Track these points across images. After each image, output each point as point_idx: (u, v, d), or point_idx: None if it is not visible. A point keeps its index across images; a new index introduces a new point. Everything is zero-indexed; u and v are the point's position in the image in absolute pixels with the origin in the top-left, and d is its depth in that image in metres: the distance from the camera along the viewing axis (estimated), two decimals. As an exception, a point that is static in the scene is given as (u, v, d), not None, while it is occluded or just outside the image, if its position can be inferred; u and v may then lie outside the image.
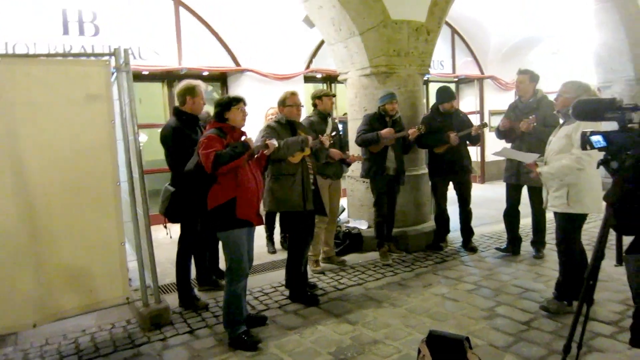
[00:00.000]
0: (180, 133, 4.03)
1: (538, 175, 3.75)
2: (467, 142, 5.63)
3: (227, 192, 3.41)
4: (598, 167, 2.08)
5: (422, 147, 5.78)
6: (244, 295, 3.68)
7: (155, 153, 6.78)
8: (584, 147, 2.13)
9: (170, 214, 4.08)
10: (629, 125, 1.98)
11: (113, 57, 3.68)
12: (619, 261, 1.66)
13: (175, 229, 4.24)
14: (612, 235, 2.21)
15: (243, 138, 3.55)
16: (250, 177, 3.52)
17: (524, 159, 4.11)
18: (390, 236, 5.62)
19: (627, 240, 2.09)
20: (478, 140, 5.68)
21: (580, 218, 3.71)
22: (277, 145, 3.75)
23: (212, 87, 9.23)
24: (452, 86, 11.56)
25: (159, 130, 4.35)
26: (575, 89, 3.63)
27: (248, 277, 3.70)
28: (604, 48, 8.75)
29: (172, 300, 4.29)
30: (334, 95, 5.22)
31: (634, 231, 1.64)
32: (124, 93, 3.75)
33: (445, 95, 5.61)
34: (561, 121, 3.92)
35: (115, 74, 3.74)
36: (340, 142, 5.18)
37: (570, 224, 3.70)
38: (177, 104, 4.25)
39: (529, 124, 4.84)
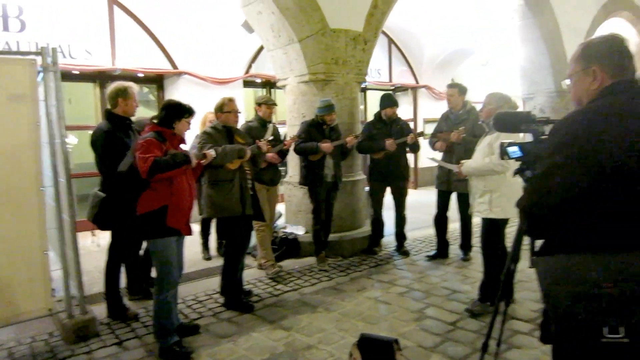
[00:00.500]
0: (112, 136, 3.90)
1: (461, 172, 4.00)
2: (408, 150, 5.82)
3: (160, 199, 3.34)
4: (514, 175, 2.23)
5: (361, 152, 5.93)
6: (175, 304, 3.60)
7: (86, 156, 6.49)
8: (502, 157, 2.28)
9: (99, 221, 3.92)
10: (542, 137, 2.14)
11: (40, 56, 3.51)
12: (532, 264, 1.79)
13: (105, 236, 4.09)
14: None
15: (183, 147, 3.51)
16: (185, 186, 3.47)
17: (452, 167, 4.38)
18: (327, 242, 5.69)
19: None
20: (418, 148, 5.88)
21: (502, 223, 3.94)
22: (214, 155, 3.73)
23: (148, 89, 8.98)
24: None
25: (91, 132, 4.19)
26: (496, 100, 3.89)
27: (179, 285, 3.64)
28: (528, 62, 9.31)
29: (100, 310, 4.12)
30: (275, 105, 5.24)
31: (544, 235, 1.78)
32: (51, 94, 3.58)
33: (387, 101, 5.77)
34: (487, 130, 4.16)
35: (42, 74, 3.57)
36: (282, 151, 5.17)
37: (493, 228, 3.92)
38: (108, 106, 4.12)
39: (458, 134, 5.08)
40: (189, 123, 3.56)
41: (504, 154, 2.22)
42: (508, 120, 2.25)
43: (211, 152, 3.70)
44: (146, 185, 3.33)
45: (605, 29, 11.12)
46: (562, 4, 9.30)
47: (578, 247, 1.62)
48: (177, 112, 3.46)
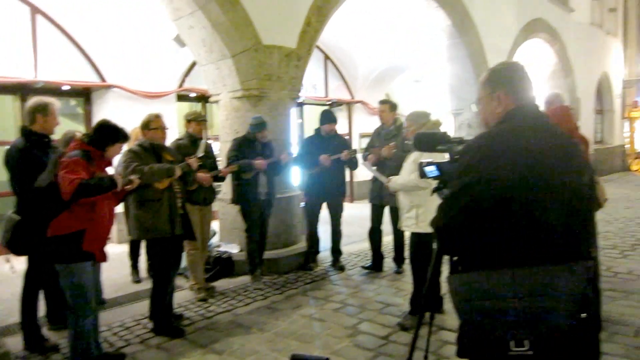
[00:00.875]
0: (28, 155, 3.68)
1: (388, 186, 4.14)
2: (346, 166, 5.88)
3: (77, 222, 3.17)
4: (432, 194, 2.30)
5: (299, 167, 5.93)
6: (95, 332, 3.41)
7: (1, 174, 6.09)
8: (421, 176, 2.35)
9: (14, 246, 3.66)
10: (456, 157, 2.23)
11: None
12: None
13: (24, 261, 3.83)
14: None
15: (108, 171, 3.37)
16: (105, 211, 3.32)
17: (382, 179, 4.53)
18: (262, 260, 5.62)
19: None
20: (356, 165, 5.95)
21: (430, 237, 4.05)
22: (140, 182, 3.60)
23: (76, 102, 8.57)
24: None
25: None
26: (415, 120, 4.05)
27: (105, 312, 3.47)
28: (455, 79, 9.76)
29: (15, 343, 3.84)
30: (205, 121, 5.15)
31: (455, 252, 1.85)
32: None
33: (325, 118, 5.82)
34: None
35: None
36: (213, 165, 5.08)
37: (421, 242, 4.03)
38: (25, 122, 3.88)
39: (389, 149, 5.21)
40: (121, 148, 3.44)
41: (422, 173, 2.29)
42: (425, 140, 2.33)
43: (136, 180, 3.57)
44: (64, 205, 3.15)
45: (525, 49, 11.89)
46: (486, 25, 9.86)
47: (486, 264, 1.70)
48: (112, 136, 3.33)
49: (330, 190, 5.80)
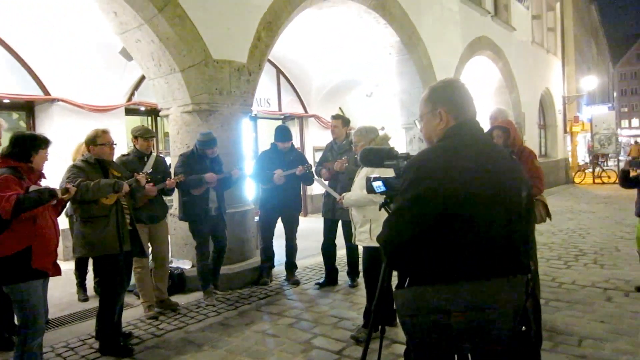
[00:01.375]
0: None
1: (342, 202, 4.17)
2: (301, 181, 5.89)
3: (21, 240, 3.07)
4: (380, 209, 2.36)
5: (254, 181, 5.89)
6: (40, 354, 3.27)
7: None
8: (369, 191, 2.40)
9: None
10: (401, 173, 2.29)
11: None
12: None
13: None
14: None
15: (44, 183, 3.25)
16: (49, 223, 3.22)
17: (335, 195, 4.57)
18: (217, 276, 5.54)
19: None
20: (312, 181, 5.96)
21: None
22: (76, 190, 3.50)
23: (18, 116, 8.22)
24: (278, 123, 12.08)
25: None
26: (364, 136, 4.13)
27: (49, 332, 3.33)
28: (405, 94, 10.03)
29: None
30: (153, 137, 5.03)
31: (400, 267, 1.89)
32: None
33: (280, 135, 5.80)
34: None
35: None
36: (164, 180, 4.94)
37: (374, 256, 4.08)
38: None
39: (341, 164, 5.27)
40: (46, 155, 3.33)
41: (369, 188, 2.34)
42: (372, 156, 2.39)
43: (72, 187, 3.47)
44: (3, 225, 3.02)
45: (471, 66, 12.39)
46: (433, 42, 10.22)
47: (430, 278, 1.74)
48: (32, 145, 3.22)
49: (285, 205, 5.79)
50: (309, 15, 7.73)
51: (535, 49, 17.91)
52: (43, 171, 3.40)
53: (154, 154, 5.04)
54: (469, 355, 1.70)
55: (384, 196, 2.37)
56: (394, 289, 1.88)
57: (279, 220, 5.96)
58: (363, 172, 4.09)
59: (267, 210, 5.85)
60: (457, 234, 1.70)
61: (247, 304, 5.18)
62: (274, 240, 5.97)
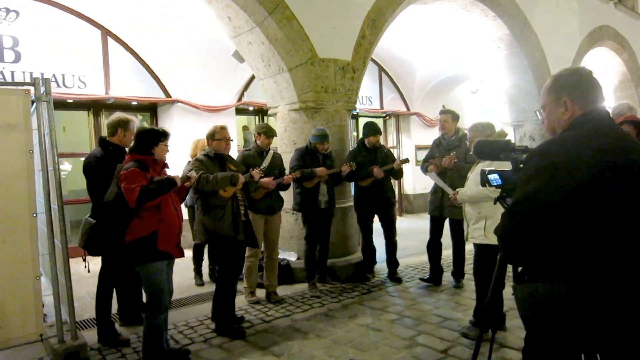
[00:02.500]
0: (105, 163, 3.95)
1: (456, 198, 4.07)
2: (391, 177, 5.89)
3: (148, 225, 3.38)
4: (495, 203, 2.28)
5: (348, 180, 5.97)
6: (165, 329, 3.60)
7: (79, 183, 6.53)
8: (483, 185, 2.33)
9: (90, 247, 3.93)
10: (520, 166, 2.21)
11: (33, 87, 3.59)
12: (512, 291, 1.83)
13: (97, 262, 4.10)
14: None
15: (167, 172, 3.56)
16: (172, 210, 3.51)
17: (447, 190, 4.51)
18: (326, 267, 5.70)
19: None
20: (401, 174, 5.96)
21: (497, 249, 3.96)
22: (197, 177, 3.81)
23: (142, 117, 9.08)
24: (380, 121, 12.07)
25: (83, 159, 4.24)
26: (480, 131, 3.98)
27: (171, 311, 3.64)
28: (515, 89, 9.52)
29: (91, 336, 4.12)
30: (274, 136, 5.24)
31: (521, 262, 1.81)
32: (43, 123, 3.65)
33: (370, 129, 5.85)
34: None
35: (35, 104, 3.64)
36: (280, 175, 5.13)
37: (488, 254, 3.92)
38: (105, 134, 4.19)
39: (450, 160, 5.15)
40: (167, 146, 3.61)
41: (485, 181, 2.28)
42: (487, 148, 2.32)
43: (193, 174, 3.78)
44: (134, 213, 3.36)
45: (590, 58, 11.43)
46: (547, 33, 9.58)
47: (554, 275, 1.66)
48: (153, 138, 3.51)
49: (380, 202, 5.81)
50: (413, 10, 7.64)
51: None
52: (166, 161, 3.71)
53: (272, 151, 5.28)
54: (598, 355, 1.59)
55: (499, 190, 2.29)
56: (510, 284, 1.82)
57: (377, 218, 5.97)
58: (479, 168, 3.96)
59: (362, 207, 5.89)
60: (583, 228, 1.60)
61: (349, 297, 5.26)
62: (373, 238, 5.99)
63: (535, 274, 1.73)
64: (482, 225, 3.87)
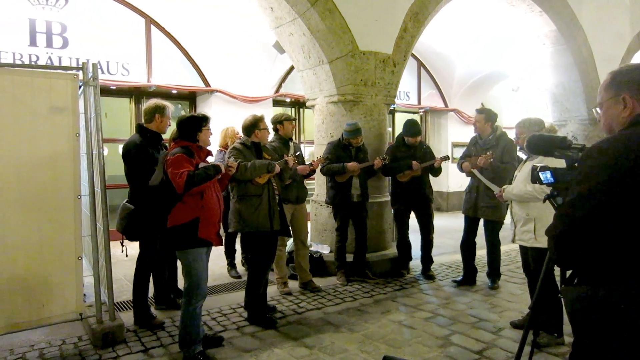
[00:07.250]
0: (143, 150, 4.01)
1: (502, 195, 3.97)
2: (430, 174, 5.80)
3: (191, 211, 3.41)
4: (544, 201, 2.19)
5: (386, 174, 5.90)
6: (200, 314, 3.64)
7: (116, 168, 6.69)
8: (533, 181, 2.24)
9: (128, 232, 4.01)
10: (575, 165, 2.11)
11: (81, 71, 3.67)
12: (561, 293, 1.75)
13: (133, 247, 4.19)
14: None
15: (212, 159, 3.58)
16: (214, 197, 3.54)
17: (493, 188, 4.46)
18: (365, 261, 5.68)
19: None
20: (440, 171, 5.86)
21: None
22: (237, 165, 3.87)
23: (181, 105, 9.22)
24: (417, 117, 11.92)
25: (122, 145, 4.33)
26: (528, 127, 3.87)
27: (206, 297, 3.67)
28: (560, 88, 9.21)
29: (127, 318, 4.21)
30: (294, 119, 5.28)
31: (573, 264, 1.73)
32: (90, 107, 3.73)
33: (411, 130, 5.74)
34: (524, 157, 4.17)
35: (82, 88, 3.72)
36: (302, 163, 5.22)
37: (540, 257, 3.78)
38: (142, 120, 4.25)
39: (486, 159, 5.01)
40: (209, 129, 3.65)
41: (535, 178, 2.19)
42: (542, 143, 2.21)
43: (234, 162, 3.83)
44: (177, 198, 3.40)
45: (640, 56, 10.94)
46: (596, 31, 9.21)
47: (606, 277, 1.57)
48: (196, 124, 3.54)
49: (417, 198, 5.74)
50: (455, 5, 7.46)
51: None
52: (209, 148, 3.74)
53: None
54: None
55: (550, 188, 2.19)
56: (562, 286, 1.74)
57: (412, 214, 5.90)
58: (528, 166, 3.81)
59: (400, 203, 5.82)
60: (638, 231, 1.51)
61: (382, 293, 5.21)
62: (410, 234, 5.92)
63: (587, 277, 1.65)
64: (532, 228, 3.73)
